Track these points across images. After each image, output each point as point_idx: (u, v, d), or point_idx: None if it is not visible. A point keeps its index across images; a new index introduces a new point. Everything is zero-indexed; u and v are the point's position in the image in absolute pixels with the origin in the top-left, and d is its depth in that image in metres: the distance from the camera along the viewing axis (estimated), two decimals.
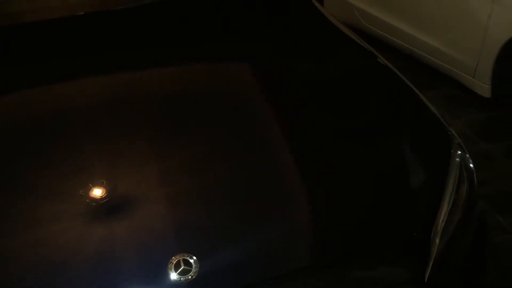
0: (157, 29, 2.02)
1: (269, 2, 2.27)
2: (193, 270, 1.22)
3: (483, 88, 3.24)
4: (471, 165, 1.58)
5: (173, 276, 1.21)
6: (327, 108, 1.68)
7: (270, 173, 1.45)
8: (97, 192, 1.38)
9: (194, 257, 1.23)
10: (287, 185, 1.44)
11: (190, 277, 1.21)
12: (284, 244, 1.30)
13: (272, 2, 2.27)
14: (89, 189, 1.38)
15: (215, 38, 2.00)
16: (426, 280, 1.33)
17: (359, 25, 4.22)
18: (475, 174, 1.57)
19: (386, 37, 4.00)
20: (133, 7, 2.08)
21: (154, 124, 1.58)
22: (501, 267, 2.11)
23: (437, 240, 1.37)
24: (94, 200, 1.36)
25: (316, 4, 2.32)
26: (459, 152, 1.58)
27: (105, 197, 1.36)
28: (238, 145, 1.52)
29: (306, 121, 1.61)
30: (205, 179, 1.41)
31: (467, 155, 1.60)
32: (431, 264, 1.34)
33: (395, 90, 1.84)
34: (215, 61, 1.91)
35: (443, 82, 3.63)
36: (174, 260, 1.22)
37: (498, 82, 3.15)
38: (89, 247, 1.26)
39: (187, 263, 1.22)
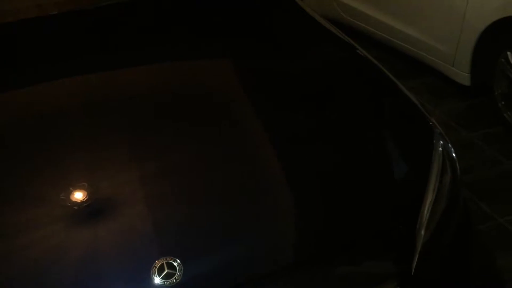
0: (138, 28, 1.99)
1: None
2: (177, 273, 1.20)
3: (463, 76, 3.25)
4: (453, 154, 1.59)
5: (157, 280, 1.19)
6: (308, 103, 1.67)
7: (252, 173, 1.43)
8: (78, 196, 1.36)
9: (178, 260, 1.21)
10: (270, 184, 1.43)
11: (174, 280, 1.19)
12: (269, 244, 1.29)
13: None
14: (70, 192, 1.36)
15: (194, 35, 1.98)
16: (412, 273, 1.32)
17: (339, 18, 4.22)
18: (457, 163, 1.58)
19: (366, 28, 4.00)
20: (110, 5, 2.04)
21: (136, 125, 1.56)
22: (485, 254, 2.14)
23: (422, 232, 1.37)
24: (76, 203, 1.35)
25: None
26: (441, 142, 1.59)
27: (87, 200, 1.34)
28: (221, 145, 1.50)
29: (288, 117, 1.60)
30: (188, 180, 1.39)
31: (449, 145, 1.61)
32: (417, 256, 1.34)
33: (376, 82, 1.84)
34: (196, 60, 1.88)
35: (423, 71, 3.64)
36: (158, 263, 1.20)
37: (477, 70, 3.17)
38: (71, 252, 1.24)
39: (170, 266, 1.20)
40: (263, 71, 1.80)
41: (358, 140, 1.56)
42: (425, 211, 1.40)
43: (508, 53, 2.90)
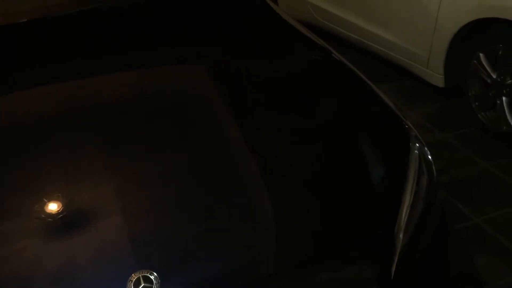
0: (110, 35, 1.97)
1: (223, 2, 2.25)
2: (154, 287, 1.17)
3: (437, 78, 3.29)
4: (429, 157, 1.60)
5: None
6: (284, 108, 1.66)
7: (229, 183, 1.41)
8: (53, 207, 1.33)
9: (155, 273, 1.18)
10: (247, 194, 1.41)
11: None
12: (246, 256, 1.28)
13: (226, 3, 2.25)
14: (44, 204, 1.33)
15: (167, 41, 1.96)
16: (392, 277, 1.32)
17: (314, 21, 4.24)
18: (433, 166, 1.59)
19: (340, 31, 4.03)
20: (76, 12, 2.02)
21: (113, 134, 1.53)
22: (462, 255, 2.16)
23: (401, 235, 1.37)
24: (50, 215, 1.32)
25: (270, 3, 2.31)
26: (417, 144, 1.59)
27: (61, 212, 1.31)
28: (197, 155, 1.48)
29: (263, 123, 1.59)
30: (166, 191, 1.37)
31: (425, 147, 1.62)
32: (396, 260, 1.33)
33: (351, 85, 1.84)
34: (171, 66, 1.87)
35: (398, 74, 3.68)
36: (134, 277, 1.17)
37: (451, 72, 3.21)
38: (45, 265, 1.21)
39: (147, 280, 1.17)
40: (239, 77, 1.79)
41: (334, 145, 1.55)
42: (403, 214, 1.40)
43: (480, 54, 2.94)
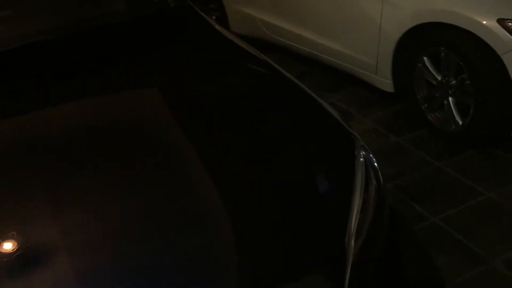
0: (58, 64, 1.99)
1: (165, 25, 2.28)
2: None
3: (386, 84, 3.38)
4: (375, 164, 1.65)
5: None
6: (230, 126, 1.68)
7: (181, 205, 1.42)
8: (7, 246, 1.33)
9: None
10: (196, 220, 1.40)
11: None
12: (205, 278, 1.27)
13: (168, 25, 2.28)
14: None
15: (113, 68, 1.98)
16: (346, 287, 1.32)
17: (265, 37, 4.30)
18: (380, 172, 1.64)
19: (291, 44, 4.09)
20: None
21: (65, 165, 1.53)
22: (422, 256, 2.21)
23: (352, 242, 1.38)
24: (5, 255, 1.31)
25: (210, 21, 2.35)
26: (363, 152, 1.64)
27: (17, 250, 1.31)
28: (151, 176, 1.49)
29: (210, 142, 1.61)
30: (119, 225, 1.37)
31: (371, 155, 1.67)
32: (349, 268, 1.33)
33: (294, 99, 1.87)
34: (116, 93, 1.88)
35: (350, 82, 3.76)
36: None
37: (399, 77, 3.30)
38: None
39: None
40: (185, 98, 1.81)
41: (280, 158, 1.58)
42: (353, 221, 1.42)
43: (424, 58, 3.04)
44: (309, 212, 1.45)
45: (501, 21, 2.59)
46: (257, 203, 1.44)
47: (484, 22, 2.63)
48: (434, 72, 3.03)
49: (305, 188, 1.51)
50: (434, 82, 3.04)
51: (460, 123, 2.95)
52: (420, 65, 3.08)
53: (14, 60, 2.02)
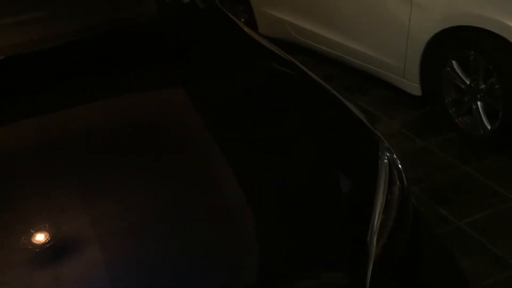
0: (73, 67, 2.04)
1: (194, 27, 2.32)
2: None
3: (413, 87, 3.36)
4: (399, 165, 1.65)
5: None
6: (256, 125, 1.72)
7: (201, 204, 1.45)
8: (40, 237, 1.37)
9: None
10: (218, 213, 1.43)
11: None
12: (222, 268, 1.30)
13: (197, 27, 2.32)
14: (31, 235, 1.36)
15: (139, 66, 2.03)
16: (367, 286, 1.32)
17: (293, 39, 4.33)
18: (403, 174, 1.64)
19: (319, 48, 4.11)
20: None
21: (93, 162, 1.58)
22: (448, 257, 2.20)
23: (375, 242, 1.39)
24: (38, 246, 1.35)
25: (239, 23, 2.38)
26: (387, 154, 1.65)
27: (49, 241, 1.35)
28: (175, 178, 1.52)
29: (238, 140, 1.64)
30: (151, 218, 1.40)
31: (395, 156, 1.68)
32: (370, 268, 1.34)
33: (320, 99, 1.89)
34: (142, 92, 1.93)
35: (376, 85, 3.75)
36: None
37: (426, 80, 3.29)
38: None
39: None
40: (213, 98, 1.85)
41: (305, 157, 1.60)
42: (375, 221, 1.43)
43: (453, 61, 3.02)
44: (333, 210, 1.46)
45: None
46: (282, 200, 1.46)
47: None
48: (462, 76, 3.01)
49: (328, 186, 1.53)
50: (462, 86, 3.02)
51: (489, 127, 2.92)
52: (448, 68, 3.07)
53: (50, 59, 2.08)
